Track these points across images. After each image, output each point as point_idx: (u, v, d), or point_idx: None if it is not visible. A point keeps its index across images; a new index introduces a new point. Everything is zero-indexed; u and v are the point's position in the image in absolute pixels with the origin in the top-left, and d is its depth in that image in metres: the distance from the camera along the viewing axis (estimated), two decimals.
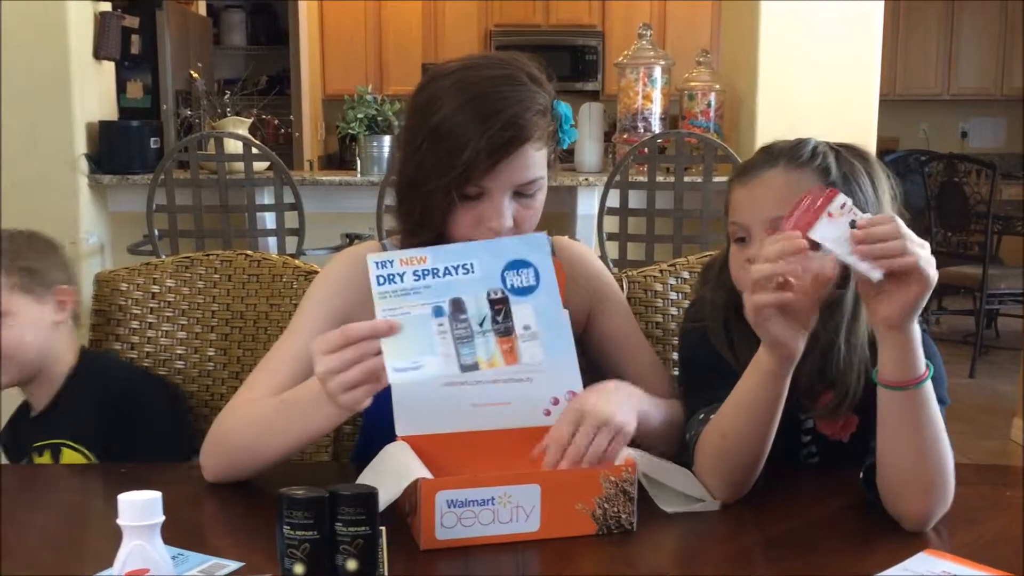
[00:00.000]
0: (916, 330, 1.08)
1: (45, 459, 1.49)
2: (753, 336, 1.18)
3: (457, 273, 1.15)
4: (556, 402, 1.21)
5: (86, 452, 1.50)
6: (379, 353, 1.08)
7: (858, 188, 1.23)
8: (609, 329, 1.41)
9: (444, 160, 1.20)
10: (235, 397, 1.29)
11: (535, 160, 1.25)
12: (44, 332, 1.54)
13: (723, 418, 1.17)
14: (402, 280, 1.13)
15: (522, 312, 1.16)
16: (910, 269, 1.03)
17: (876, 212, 1.22)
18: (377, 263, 1.13)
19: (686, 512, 1.14)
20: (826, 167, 1.23)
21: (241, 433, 1.23)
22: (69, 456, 1.50)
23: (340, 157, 6.10)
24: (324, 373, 1.08)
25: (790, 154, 1.25)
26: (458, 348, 1.12)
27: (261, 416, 1.22)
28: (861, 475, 1.18)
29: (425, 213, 1.26)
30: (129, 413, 1.51)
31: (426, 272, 1.14)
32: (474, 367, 1.12)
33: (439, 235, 1.28)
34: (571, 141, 1.33)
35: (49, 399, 1.55)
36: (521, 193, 1.26)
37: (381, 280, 1.13)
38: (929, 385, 1.09)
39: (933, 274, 1.04)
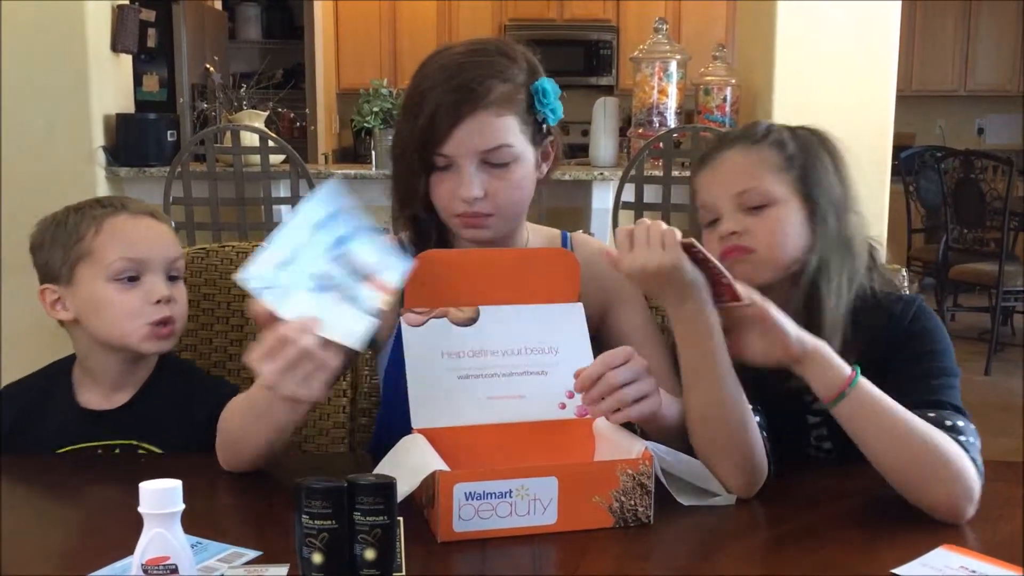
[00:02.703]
0: (812, 350, 1.12)
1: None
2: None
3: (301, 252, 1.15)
4: (571, 395, 1.21)
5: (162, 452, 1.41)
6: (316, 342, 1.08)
7: (817, 162, 1.29)
8: (627, 328, 1.41)
9: (412, 128, 1.26)
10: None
11: (498, 126, 1.26)
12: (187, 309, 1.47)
13: (689, 400, 1.17)
14: (275, 278, 1.13)
15: (360, 252, 1.16)
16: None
17: (840, 190, 1.29)
18: (246, 279, 1.13)
19: (703, 505, 1.14)
20: (781, 141, 1.29)
21: (231, 424, 1.25)
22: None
23: (354, 150, 6.12)
24: (272, 380, 1.08)
25: (744, 134, 1.32)
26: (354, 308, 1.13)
27: (242, 409, 1.24)
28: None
29: (405, 186, 1.31)
30: (208, 418, 1.37)
31: (283, 262, 1.14)
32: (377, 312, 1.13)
33: (423, 208, 1.32)
34: (558, 118, 1.34)
35: (129, 396, 1.44)
36: (490, 163, 1.27)
37: (262, 292, 1.13)
38: (860, 388, 1.11)
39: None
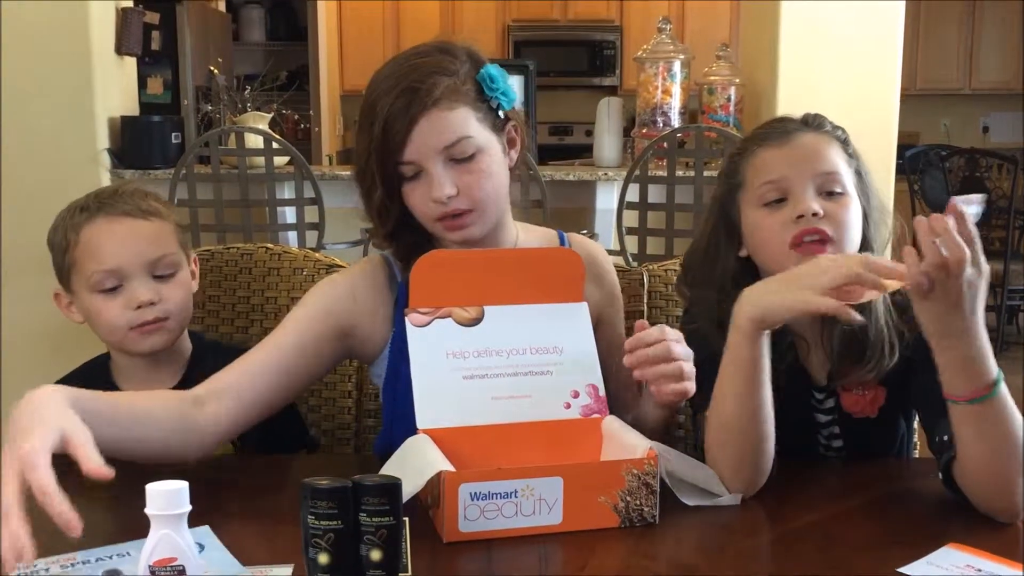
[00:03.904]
0: (971, 343, 1.03)
1: None
2: None
3: None
4: (576, 395, 1.21)
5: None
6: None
7: (860, 160, 1.30)
8: (611, 335, 1.41)
9: (368, 141, 1.26)
10: None
11: (452, 120, 1.25)
12: (191, 299, 1.46)
13: (717, 404, 1.17)
14: None
15: None
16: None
17: (869, 187, 1.30)
18: None
19: (708, 505, 1.14)
20: (845, 138, 1.30)
21: None
22: None
23: None
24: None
25: (812, 121, 1.30)
26: None
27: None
28: (940, 474, 1.15)
29: (376, 209, 1.29)
30: None
31: None
32: None
33: (400, 217, 1.30)
34: (511, 101, 1.32)
35: (174, 383, 1.44)
36: (455, 159, 1.26)
37: None
38: (999, 395, 1.05)
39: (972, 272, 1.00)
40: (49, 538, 0.92)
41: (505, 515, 1.05)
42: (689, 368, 1.14)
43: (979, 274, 1.01)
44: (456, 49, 1.30)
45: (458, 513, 1.03)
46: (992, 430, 1.06)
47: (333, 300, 1.34)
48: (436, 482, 1.05)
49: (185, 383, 1.43)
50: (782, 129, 1.29)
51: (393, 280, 1.36)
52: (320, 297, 1.35)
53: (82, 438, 0.98)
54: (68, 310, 1.44)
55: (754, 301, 1.12)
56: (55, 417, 0.99)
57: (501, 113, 1.31)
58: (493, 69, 1.30)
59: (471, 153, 1.26)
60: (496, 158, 1.30)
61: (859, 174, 1.28)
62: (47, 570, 0.97)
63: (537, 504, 1.06)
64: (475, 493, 1.04)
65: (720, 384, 1.16)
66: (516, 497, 1.05)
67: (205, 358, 1.47)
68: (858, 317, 1.06)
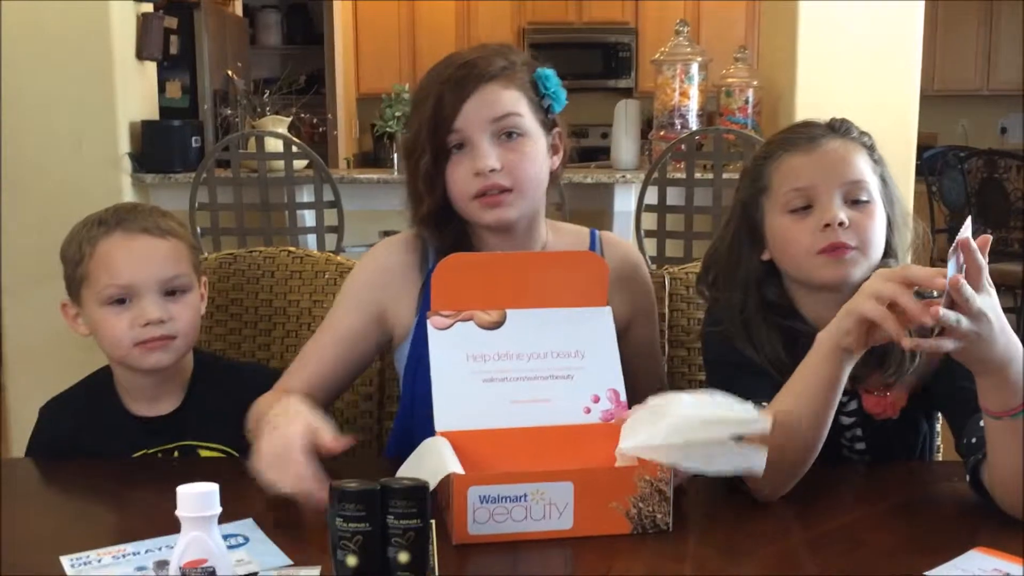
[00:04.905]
0: (1009, 366, 1.03)
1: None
2: (773, 331, 1.19)
3: None
4: (596, 399, 1.21)
5: (227, 449, 1.42)
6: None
7: (884, 166, 1.29)
8: (641, 339, 1.43)
9: (418, 118, 1.31)
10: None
11: (505, 96, 1.30)
12: (199, 319, 1.45)
13: (782, 411, 1.15)
14: None
15: None
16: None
17: (894, 193, 1.29)
18: None
19: (728, 509, 1.14)
20: (871, 144, 1.29)
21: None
22: (210, 456, 1.42)
23: (374, 155, 6.13)
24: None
25: (839, 127, 1.30)
26: None
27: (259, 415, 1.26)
28: (968, 476, 1.15)
29: (418, 178, 1.33)
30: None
31: None
32: None
33: (441, 199, 1.33)
34: (561, 105, 1.38)
35: (178, 401, 1.45)
36: (503, 134, 1.30)
37: None
38: None
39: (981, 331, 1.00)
40: (101, 531, 0.94)
41: (515, 519, 1.04)
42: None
43: (990, 296, 1.01)
44: (516, 49, 1.37)
45: (467, 515, 1.03)
46: (1019, 444, 1.06)
47: (368, 288, 1.40)
48: (447, 484, 1.05)
49: (188, 399, 1.45)
50: (809, 135, 1.29)
51: (425, 262, 1.39)
52: (358, 289, 1.41)
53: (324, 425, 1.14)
54: (74, 321, 1.44)
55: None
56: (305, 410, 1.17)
57: (550, 116, 1.36)
58: (550, 72, 1.36)
59: (519, 131, 1.31)
60: (540, 149, 1.34)
61: (884, 180, 1.28)
62: (99, 561, 1.00)
63: (547, 508, 1.05)
64: (484, 496, 1.04)
65: (802, 387, 1.14)
66: (526, 501, 1.04)
67: (208, 374, 1.48)
68: (906, 340, 1.03)
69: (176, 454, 1.42)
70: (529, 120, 1.32)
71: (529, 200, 1.33)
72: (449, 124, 1.29)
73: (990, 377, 1.05)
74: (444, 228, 1.36)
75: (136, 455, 1.41)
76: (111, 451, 1.41)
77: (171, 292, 1.40)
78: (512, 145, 1.30)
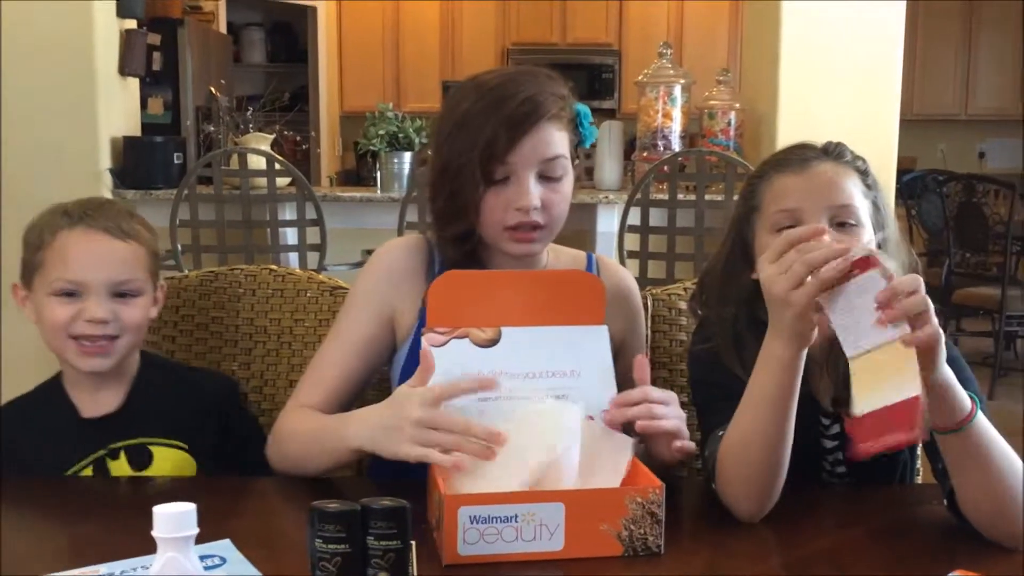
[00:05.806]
0: (945, 376, 1.06)
1: (122, 461, 1.41)
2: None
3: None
4: (591, 419, 1.20)
5: (181, 445, 1.42)
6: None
7: (878, 191, 1.29)
8: (632, 364, 1.42)
9: (468, 142, 1.28)
10: (289, 400, 1.38)
11: (556, 138, 1.31)
12: (146, 322, 1.45)
13: (741, 424, 1.16)
14: None
15: None
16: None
17: (887, 218, 1.28)
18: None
19: (715, 533, 1.14)
20: (864, 169, 1.29)
21: (293, 443, 1.31)
22: (163, 453, 1.42)
23: (357, 173, 6.13)
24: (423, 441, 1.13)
25: (833, 151, 1.30)
26: None
27: (306, 433, 1.29)
28: (945, 502, 1.16)
29: (455, 200, 1.32)
30: (213, 409, 1.47)
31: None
32: None
33: (469, 225, 1.33)
34: (592, 140, 1.39)
35: (121, 396, 1.44)
36: (546, 176, 1.31)
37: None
38: (978, 423, 1.08)
39: (933, 331, 1.02)
40: (74, 550, 0.92)
41: (505, 539, 1.04)
42: (681, 426, 1.16)
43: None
44: (557, 77, 1.36)
45: (457, 536, 1.03)
46: (977, 458, 1.08)
47: (379, 291, 1.40)
48: (438, 503, 1.05)
49: (131, 398, 1.45)
50: (801, 156, 1.29)
51: (431, 266, 1.39)
52: (370, 292, 1.40)
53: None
54: (23, 303, 1.44)
55: None
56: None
57: (578, 149, 1.38)
58: (586, 109, 1.39)
59: (560, 175, 1.32)
60: (571, 186, 1.36)
61: (876, 205, 1.28)
62: None
63: (538, 529, 1.05)
64: (475, 516, 1.03)
65: (756, 401, 1.15)
66: (516, 522, 1.04)
67: (154, 373, 1.48)
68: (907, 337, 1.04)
69: (123, 455, 1.41)
70: (569, 160, 1.34)
71: (554, 235, 1.37)
72: (503, 157, 1.28)
73: (940, 387, 1.06)
74: (462, 244, 1.37)
75: (89, 459, 1.40)
76: (57, 455, 1.40)
77: (121, 294, 1.40)
78: (554, 186, 1.32)
